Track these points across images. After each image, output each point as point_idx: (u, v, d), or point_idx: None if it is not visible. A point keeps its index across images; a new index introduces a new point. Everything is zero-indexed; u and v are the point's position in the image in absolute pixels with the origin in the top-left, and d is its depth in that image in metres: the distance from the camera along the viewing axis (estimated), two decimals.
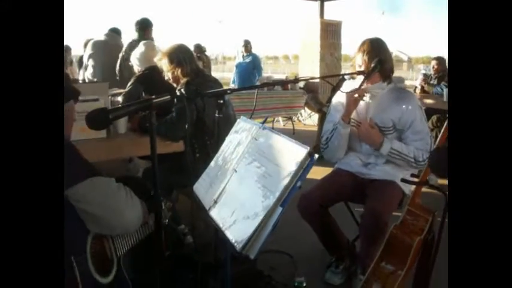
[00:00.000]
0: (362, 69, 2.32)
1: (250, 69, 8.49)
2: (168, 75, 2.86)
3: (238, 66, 8.74)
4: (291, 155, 1.37)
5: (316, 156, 1.32)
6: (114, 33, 5.55)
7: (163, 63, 2.85)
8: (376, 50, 2.32)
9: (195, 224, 2.94)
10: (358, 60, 2.36)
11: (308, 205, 2.40)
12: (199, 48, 9.01)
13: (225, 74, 19.68)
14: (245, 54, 8.65)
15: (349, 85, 2.40)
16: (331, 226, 2.54)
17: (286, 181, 1.32)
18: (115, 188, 1.43)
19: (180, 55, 2.83)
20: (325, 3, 8.48)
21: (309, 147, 1.34)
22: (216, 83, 3.03)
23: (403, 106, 2.33)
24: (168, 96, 1.46)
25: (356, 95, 2.31)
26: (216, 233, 2.08)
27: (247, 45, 8.62)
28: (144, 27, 5.00)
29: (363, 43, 2.37)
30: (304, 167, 1.31)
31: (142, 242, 1.80)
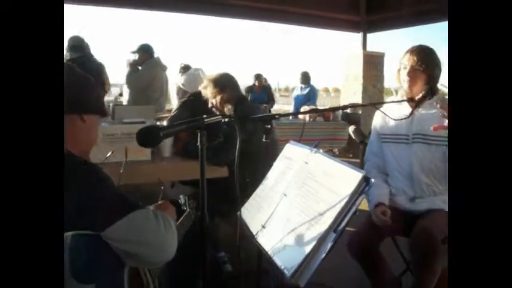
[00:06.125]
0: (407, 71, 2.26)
1: (305, 100, 8.54)
2: (212, 102, 2.88)
3: (296, 98, 8.86)
4: (345, 179, 1.31)
5: (373, 181, 1.26)
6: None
7: (208, 90, 2.89)
8: (425, 60, 2.25)
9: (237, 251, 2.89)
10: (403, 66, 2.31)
11: (359, 246, 2.29)
12: (259, 78, 9.04)
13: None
14: (303, 86, 8.76)
15: (394, 109, 2.36)
16: (380, 264, 2.41)
17: (340, 206, 1.26)
18: (153, 222, 1.28)
19: (223, 81, 2.87)
20: (368, 35, 8.46)
21: (364, 172, 1.27)
22: (259, 109, 3.04)
23: None
24: (220, 116, 1.44)
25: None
26: (260, 261, 2.02)
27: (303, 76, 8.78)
28: None
29: (411, 50, 2.31)
30: (360, 191, 1.25)
31: (181, 265, 1.73)
